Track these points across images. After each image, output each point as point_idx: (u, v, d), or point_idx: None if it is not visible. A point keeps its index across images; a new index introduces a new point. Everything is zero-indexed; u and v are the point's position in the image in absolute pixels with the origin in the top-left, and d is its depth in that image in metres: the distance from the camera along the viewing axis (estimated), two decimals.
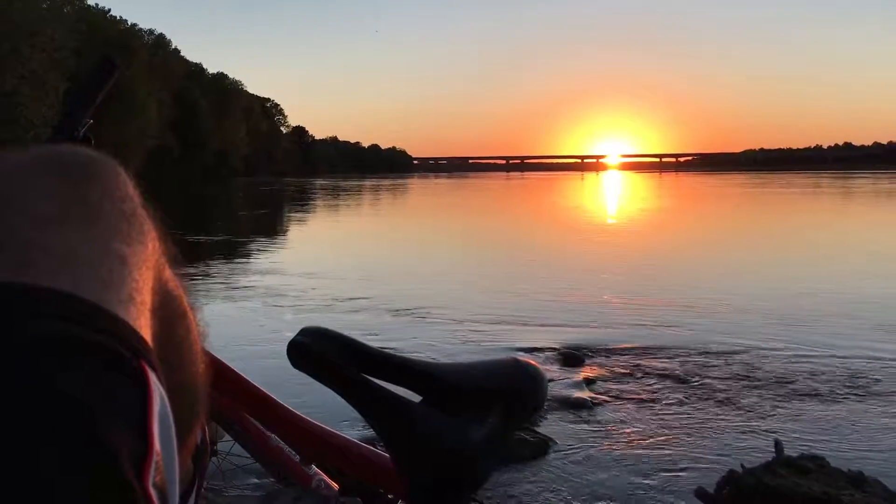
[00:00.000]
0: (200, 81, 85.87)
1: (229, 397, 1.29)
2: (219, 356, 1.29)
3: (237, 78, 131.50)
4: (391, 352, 0.97)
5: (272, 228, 17.50)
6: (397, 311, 6.28)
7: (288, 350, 0.96)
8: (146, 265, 0.41)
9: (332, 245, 13.40)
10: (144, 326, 0.37)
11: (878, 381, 4.23)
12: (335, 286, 7.61)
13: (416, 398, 0.95)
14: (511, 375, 0.95)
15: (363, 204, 29.65)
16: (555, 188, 51.31)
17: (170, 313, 0.46)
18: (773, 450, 2.61)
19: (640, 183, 67.37)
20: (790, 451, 2.64)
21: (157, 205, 0.46)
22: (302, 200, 31.36)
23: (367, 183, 62.11)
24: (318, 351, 0.92)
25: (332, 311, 6.31)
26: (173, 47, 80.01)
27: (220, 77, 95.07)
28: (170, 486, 0.34)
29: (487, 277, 8.60)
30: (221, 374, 1.27)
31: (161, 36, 76.42)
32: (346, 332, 0.97)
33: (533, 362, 0.98)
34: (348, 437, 1.28)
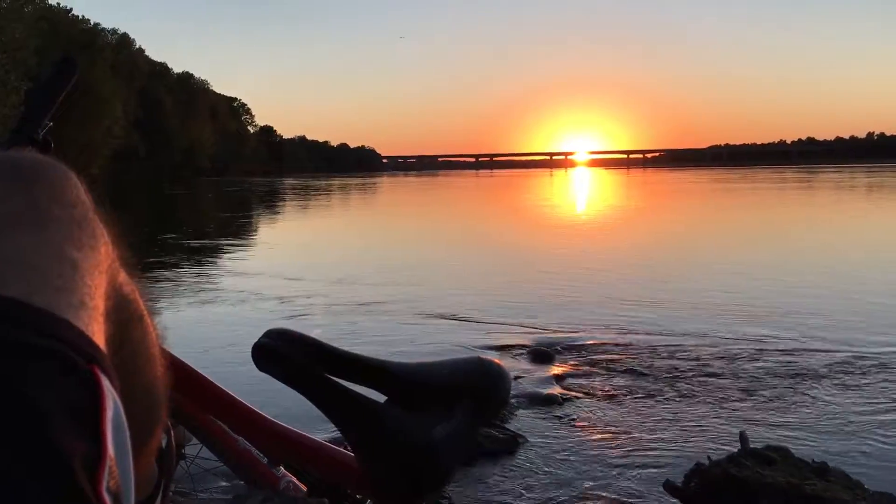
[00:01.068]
0: (166, 81, 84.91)
1: (196, 401, 1.28)
2: (188, 361, 1.29)
3: (203, 77, 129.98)
4: (356, 352, 0.97)
5: (258, 232, 17.32)
6: (369, 309, 6.28)
7: (252, 352, 0.96)
8: (99, 270, 0.41)
9: (309, 247, 13.37)
10: (97, 331, 0.37)
11: (841, 373, 4.31)
12: (311, 287, 7.57)
13: (381, 398, 0.95)
14: (475, 374, 0.96)
15: (335, 205, 29.50)
16: (524, 185, 51.46)
17: (125, 317, 0.46)
18: (739, 442, 2.65)
19: (607, 179, 67.78)
20: (755, 443, 2.68)
21: (119, 208, 0.46)
22: (274, 201, 31.11)
23: (336, 182, 61.72)
24: (282, 353, 0.92)
25: (312, 311, 6.28)
26: (137, 46, 79.09)
27: (186, 77, 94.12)
28: (125, 490, 0.34)
29: (460, 275, 8.61)
30: (188, 377, 1.26)
31: (125, 35, 75.51)
32: (310, 333, 0.97)
33: (497, 361, 0.99)
34: (315, 438, 1.28)
